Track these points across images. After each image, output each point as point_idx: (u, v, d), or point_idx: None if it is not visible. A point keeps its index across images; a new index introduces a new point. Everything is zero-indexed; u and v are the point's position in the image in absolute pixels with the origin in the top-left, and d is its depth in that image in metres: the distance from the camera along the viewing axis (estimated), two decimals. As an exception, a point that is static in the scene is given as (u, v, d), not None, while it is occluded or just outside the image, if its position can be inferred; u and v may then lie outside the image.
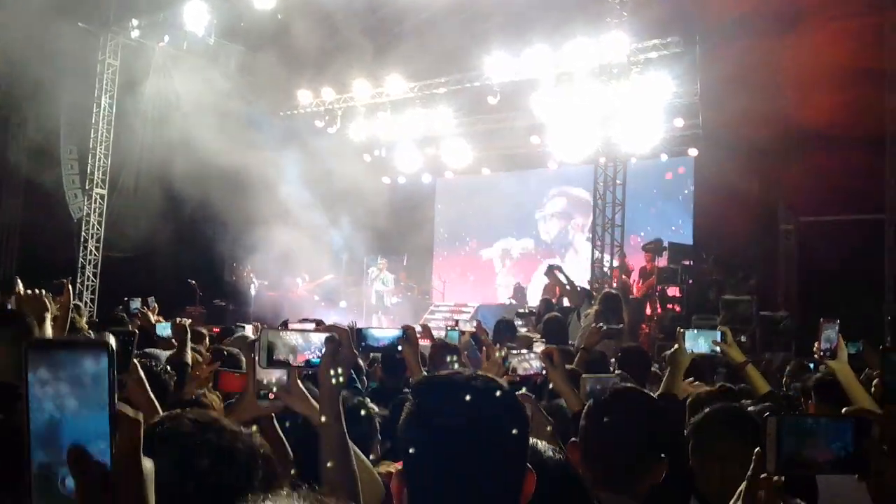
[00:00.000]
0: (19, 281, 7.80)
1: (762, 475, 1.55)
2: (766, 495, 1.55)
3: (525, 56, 15.43)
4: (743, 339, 10.65)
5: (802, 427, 1.56)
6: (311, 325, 4.86)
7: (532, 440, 1.68)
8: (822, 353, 3.13)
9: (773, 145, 11.53)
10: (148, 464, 0.93)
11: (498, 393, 1.36)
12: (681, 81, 14.76)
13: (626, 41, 13.25)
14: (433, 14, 14.99)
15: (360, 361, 4.86)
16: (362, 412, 3.09)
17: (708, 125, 13.55)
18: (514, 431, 1.34)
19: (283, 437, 2.20)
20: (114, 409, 0.89)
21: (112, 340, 0.90)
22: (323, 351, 1.89)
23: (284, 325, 5.47)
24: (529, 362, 3.33)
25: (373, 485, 2.00)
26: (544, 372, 3.28)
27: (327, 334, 1.90)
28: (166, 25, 15.74)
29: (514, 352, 3.48)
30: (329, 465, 1.81)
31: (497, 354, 3.30)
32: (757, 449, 1.56)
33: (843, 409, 1.90)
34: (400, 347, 3.48)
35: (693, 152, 16.27)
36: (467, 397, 1.32)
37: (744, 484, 1.59)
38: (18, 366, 2.66)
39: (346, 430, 1.87)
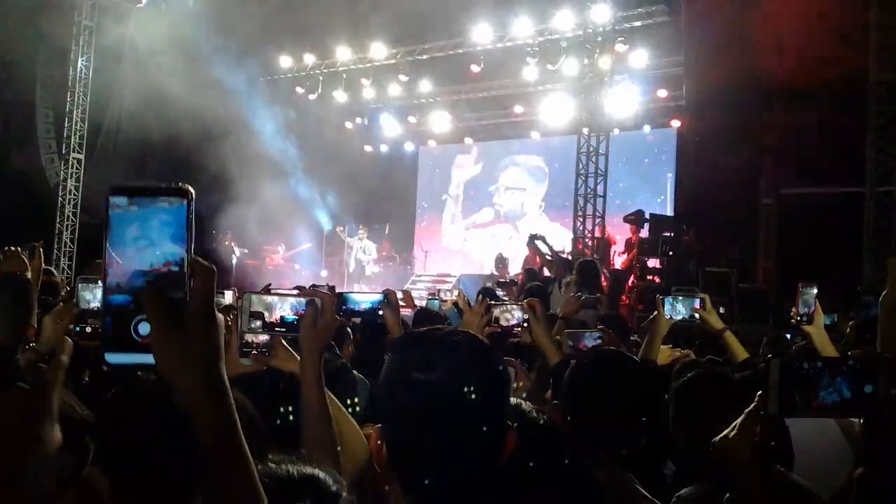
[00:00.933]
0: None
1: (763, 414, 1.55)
2: (763, 434, 1.55)
3: (509, 24, 15.30)
4: (722, 310, 10.71)
5: (805, 370, 1.54)
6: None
7: (515, 400, 1.66)
8: (799, 318, 3.15)
9: (754, 117, 11.54)
10: (220, 315, 0.97)
11: (476, 348, 1.35)
12: (664, 52, 14.71)
13: (610, 10, 13.15)
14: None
15: (348, 329, 4.84)
16: (345, 376, 3.09)
17: (691, 96, 13.53)
18: (493, 387, 1.33)
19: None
20: (190, 256, 0.94)
21: (191, 189, 0.95)
22: (302, 311, 1.89)
23: (267, 290, 5.44)
24: (511, 313, 3.36)
25: (359, 442, 2.01)
26: (526, 323, 3.30)
27: (308, 298, 1.89)
28: (144, -14, 15.43)
29: (497, 302, 3.51)
30: (309, 425, 1.83)
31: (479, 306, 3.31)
32: (760, 391, 1.56)
33: (849, 352, 1.90)
34: (381, 311, 3.48)
35: (676, 124, 16.28)
36: (445, 352, 1.30)
37: (741, 417, 1.59)
38: (15, 327, 2.61)
39: (325, 393, 1.88)
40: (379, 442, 1.34)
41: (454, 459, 1.28)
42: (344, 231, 18.11)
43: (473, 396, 1.29)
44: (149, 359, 0.93)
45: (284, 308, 2.02)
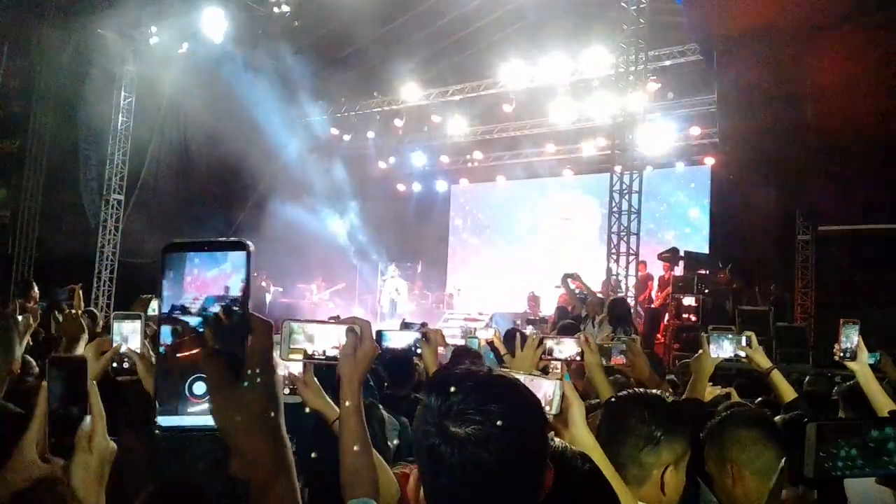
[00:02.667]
0: (35, 286, 7.84)
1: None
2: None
3: (541, 64, 15.43)
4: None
5: (843, 433, 1.48)
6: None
7: (560, 444, 1.63)
8: (842, 355, 3.06)
9: (790, 154, 11.43)
10: (279, 370, 0.94)
11: (513, 389, 1.34)
12: (697, 90, 14.71)
13: (643, 49, 13.21)
14: (449, 22, 15.02)
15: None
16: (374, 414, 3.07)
17: (724, 133, 13.47)
18: (531, 428, 1.32)
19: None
20: (247, 311, 0.90)
21: (251, 243, 0.91)
22: (343, 342, 1.87)
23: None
24: (566, 345, 3.35)
25: (388, 484, 1.98)
26: (579, 357, 3.29)
27: (348, 326, 1.88)
28: (185, 32, 15.85)
29: (550, 335, 3.50)
30: (347, 456, 1.80)
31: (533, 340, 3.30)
32: (783, 459, 1.51)
33: (888, 411, 1.82)
34: (419, 350, 3.47)
35: (709, 161, 16.20)
36: (481, 401, 1.28)
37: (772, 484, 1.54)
38: None
39: (365, 423, 1.86)
40: (416, 486, 1.33)
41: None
42: (384, 280, 18.24)
43: (511, 439, 1.27)
44: (203, 420, 0.89)
45: (330, 342, 1.99)
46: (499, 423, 1.27)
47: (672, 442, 2.05)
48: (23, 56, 15.09)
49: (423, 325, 5.86)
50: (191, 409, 0.89)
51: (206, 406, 0.89)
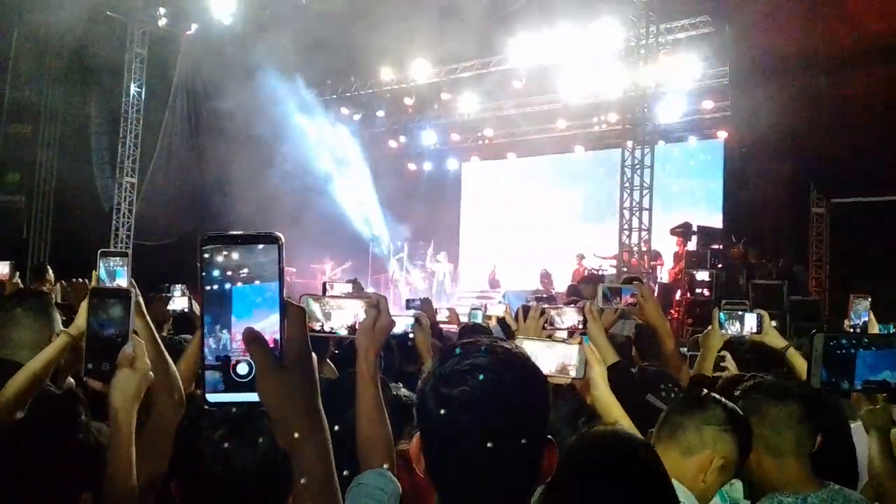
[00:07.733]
0: (50, 269, 7.91)
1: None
2: None
3: (551, 38, 15.30)
4: (774, 323, 10.47)
5: (851, 348, 1.51)
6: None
7: (615, 426, 1.63)
8: (851, 330, 3.06)
9: (803, 126, 11.32)
10: (313, 354, 1.04)
11: (517, 362, 1.32)
12: (710, 62, 14.57)
13: (654, 21, 13.08)
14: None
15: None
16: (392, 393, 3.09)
17: (737, 107, 13.34)
18: (528, 399, 1.30)
19: None
20: (283, 298, 0.98)
21: (280, 235, 0.99)
22: (357, 317, 1.90)
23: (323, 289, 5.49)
24: (568, 314, 3.35)
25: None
26: (581, 326, 3.29)
27: (367, 301, 1.90)
28: (193, 14, 15.82)
29: (551, 306, 3.51)
30: (364, 426, 1.85)
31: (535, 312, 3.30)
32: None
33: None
34: (412, 335, 3.49)
35: (722, 134, 16.08)
36: (477, 365, 1.28)
37: None
38: (41, 344, 2.61)
39: (381, 394, 1.89)
40: (418, 452, 1.34)
41: (488, 473, 1.27)
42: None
43: (512, 412, 1.27)
44: (247, 397, 0.99)
45: (344, 314, 2.03)
46: (490, 388, 1.26)
47: (735, 439, 2.09)
48: (33, 41, 15.12)
49: (424, 301, 5.86)
50: (237, 387, 0.99)
51: (249, 383, 0.99)
